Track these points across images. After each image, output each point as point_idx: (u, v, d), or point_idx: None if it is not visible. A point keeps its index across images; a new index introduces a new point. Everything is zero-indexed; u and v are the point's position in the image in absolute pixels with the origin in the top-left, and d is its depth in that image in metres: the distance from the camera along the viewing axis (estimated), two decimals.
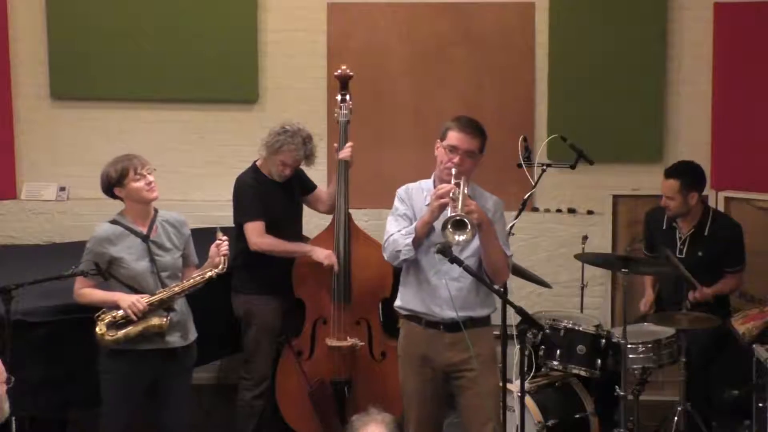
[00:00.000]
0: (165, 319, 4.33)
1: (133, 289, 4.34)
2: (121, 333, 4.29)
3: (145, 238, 4.40)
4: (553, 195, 6.45)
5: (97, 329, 4.28)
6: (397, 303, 4.33)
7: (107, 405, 4.40)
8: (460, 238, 3.89)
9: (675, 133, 6.43)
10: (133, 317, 4.28)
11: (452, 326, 4.15)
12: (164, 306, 4.37)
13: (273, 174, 5.22)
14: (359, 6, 6.52)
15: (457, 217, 3.89)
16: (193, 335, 4.55)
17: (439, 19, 6.47)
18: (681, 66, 6.40)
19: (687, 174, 5.38)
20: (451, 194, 3.96)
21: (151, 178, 4.41)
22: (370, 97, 6.23)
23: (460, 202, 3.94)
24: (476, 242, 4.10)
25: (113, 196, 4.46)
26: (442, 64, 6.48)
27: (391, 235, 4.16)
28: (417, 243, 4.09)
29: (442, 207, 3.97)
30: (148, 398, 4.47)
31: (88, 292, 4.40)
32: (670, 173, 5.41)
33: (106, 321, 4.29)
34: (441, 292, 4.13)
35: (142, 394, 4.43)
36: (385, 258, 4.24)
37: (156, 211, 4.50)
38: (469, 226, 3.88)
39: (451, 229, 3.89)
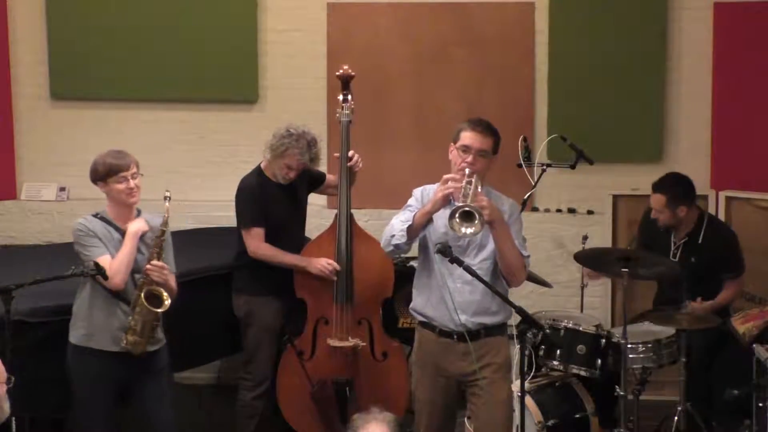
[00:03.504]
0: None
1: (111, 291, 4.27)
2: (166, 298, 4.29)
3: None
4: (553, 195, 6.45)
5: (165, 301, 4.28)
6: (412, 305, 4.31)
7: (78, 408, 4.37)
8: (466, 230, 3.83)
9: (675, 133, 6.43)
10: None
11: (465, 336, 4.12)
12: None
13: (277, 177, 5.16)
14: (359, 6, 6.52)
15: (466, 208, 3.82)
16: (161, 339, 4.46)
17: (439, 19, 6.47)
18: (681, 66, 6.40)
19: (673, 187, 5.30)
20: (462, 191, 3.91)
21: (133, 183, 4.28)
22: (370, 97, 6.22)
23: (471, 197, 3.88)
24: (492, 244, 4.08)
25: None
26: (443, 64, 6.47)
27: (391, 222, 4.13)
28: (413, 232, 4.04)
29: (446, 198, 3.92)
30: (125, 406, 4.41)
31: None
32: (656, 187, 5.33)
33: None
34: (454, 296, 4.09)
35: (113, 399, 4.37)
36: (381, 244, 4.21)
37: (139, 212, 4.41)
38: (477, 219, 3.81)
39: (458, 220, 3.82)
